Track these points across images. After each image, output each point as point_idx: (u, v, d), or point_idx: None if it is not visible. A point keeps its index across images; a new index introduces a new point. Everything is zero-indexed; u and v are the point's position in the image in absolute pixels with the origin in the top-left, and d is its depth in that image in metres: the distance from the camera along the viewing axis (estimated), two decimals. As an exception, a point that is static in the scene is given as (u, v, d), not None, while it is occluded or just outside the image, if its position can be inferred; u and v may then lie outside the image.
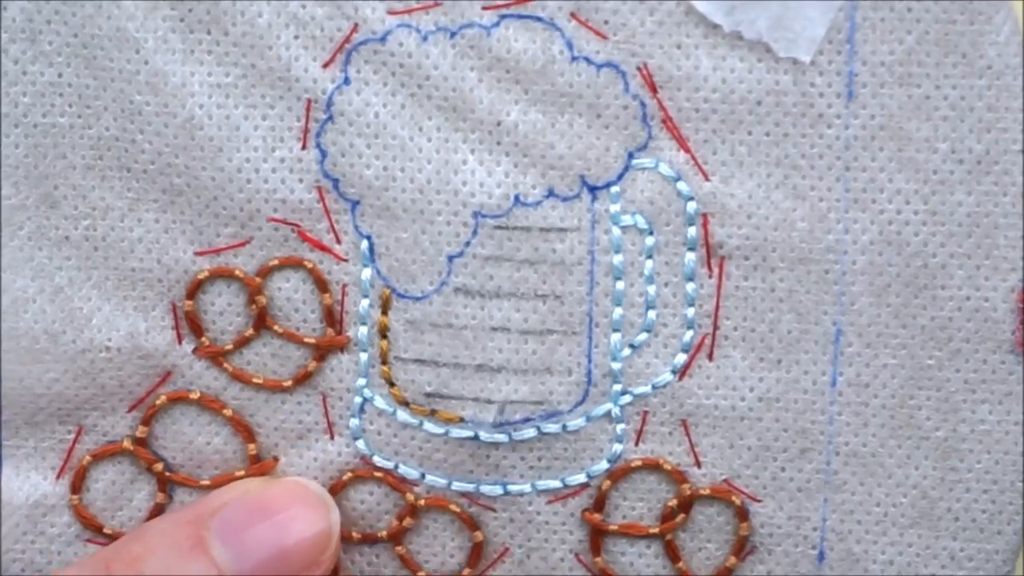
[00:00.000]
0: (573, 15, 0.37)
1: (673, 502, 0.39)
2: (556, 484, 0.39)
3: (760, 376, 0.38)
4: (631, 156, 0.37)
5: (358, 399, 0.39)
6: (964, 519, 0.39)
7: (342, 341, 0.39)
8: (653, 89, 0.37)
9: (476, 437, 0.39)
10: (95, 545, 0.40)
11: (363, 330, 0.39)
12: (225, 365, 0.39)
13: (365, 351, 0.39)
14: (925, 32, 0.36)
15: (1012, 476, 0.38)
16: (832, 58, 0.37)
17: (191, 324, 0.39)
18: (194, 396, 0.39)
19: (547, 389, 0.38)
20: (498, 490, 0.39)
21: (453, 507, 0.39)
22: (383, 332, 0.39)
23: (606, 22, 0.37)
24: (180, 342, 0.39)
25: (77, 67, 0.37)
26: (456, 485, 0.39)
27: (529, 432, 0.39)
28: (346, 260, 0.38)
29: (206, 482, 0.40)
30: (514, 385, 0.38)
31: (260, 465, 0.39)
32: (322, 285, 0.38)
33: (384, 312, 0.38)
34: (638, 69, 0.37)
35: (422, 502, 0.39)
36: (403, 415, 0.39)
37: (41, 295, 0.39)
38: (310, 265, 0.38)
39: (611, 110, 0.37)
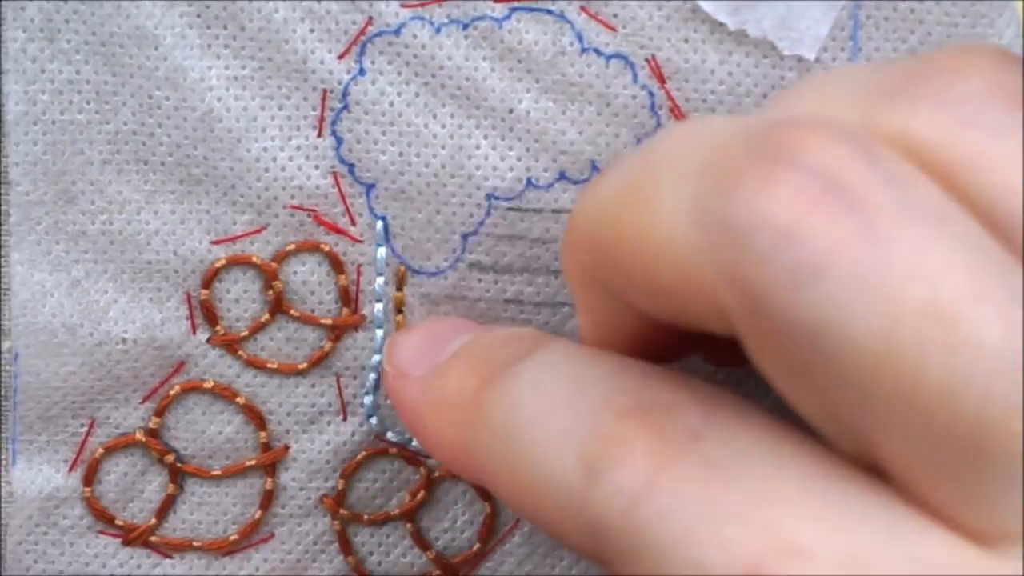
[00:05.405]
0: (583, 8, 0.38)
1: None
2: (567, 450, 0.41)
3: None
4: (640, 143, 0.38)
5: (372, 375, 0.40)
6: None
7: (357, 320, 0.40)
8: (661, 80, 0.38)
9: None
10: (107, 536, 0.40)
11: (379, 307, 0.39)
12: (240, 352, 0.40)
13: (381, 327, 0.40)
14: (928, 33, 0.37)
15: None
16: (836, 55, 0.38)
17: (206, 313, 0.40)
18: (207, 385, 0.40)
19: (560, 357, 0.40)
20: (512, 457, 0.40)
21: (467, 477, 0.40)
22: (399, 308, 0.39)
23: (615, 16, 0.38)
24: (194, 332, 0.40)
25: (96, 64, 0.38)
26: (471, 455, 0.40)
27: (544, 399, 0.40)
28: (361, 241, 0.39)
29: (217, 472, 0.40)
30: None
31: (271, 453, 0.40)
32: (338, 267, 0.39)
33: (399, 288, 0.39)
34: (646, 61, 0.38)
35: (436, 473, 0.40)
36: (420, 387, 0.40)
37: (59, 289, 0.39)
38: (326, 248, 0.39)
39: (620, 99, 0.38)
